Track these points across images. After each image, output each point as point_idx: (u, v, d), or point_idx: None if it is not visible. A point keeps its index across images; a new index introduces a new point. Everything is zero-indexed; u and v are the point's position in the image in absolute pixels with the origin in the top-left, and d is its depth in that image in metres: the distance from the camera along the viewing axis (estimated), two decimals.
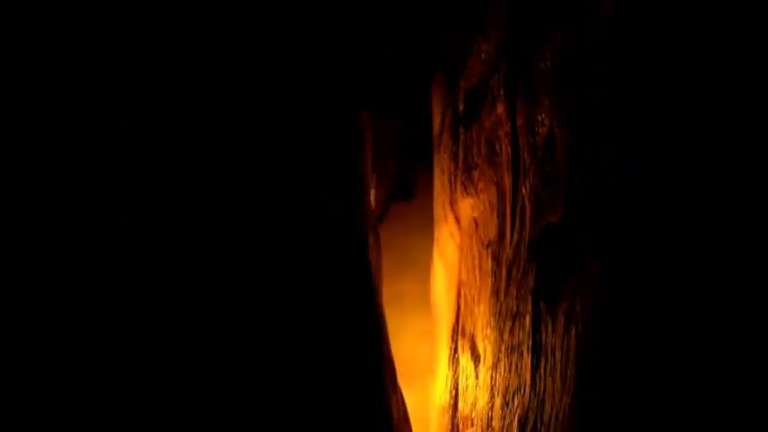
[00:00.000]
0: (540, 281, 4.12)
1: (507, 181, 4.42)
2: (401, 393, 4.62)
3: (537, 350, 4.08)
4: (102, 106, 3.66)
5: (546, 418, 3.93)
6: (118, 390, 3.38)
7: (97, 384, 3.36)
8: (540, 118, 4.12)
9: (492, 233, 4.60)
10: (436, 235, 5.72)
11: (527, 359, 4.11)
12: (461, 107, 5.09)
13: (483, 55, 4.81)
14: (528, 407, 4.04)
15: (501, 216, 4.50)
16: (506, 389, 4.28)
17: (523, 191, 4.22)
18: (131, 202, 3.62)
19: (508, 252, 4.38)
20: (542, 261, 4.12)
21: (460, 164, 5.14)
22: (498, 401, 4.35)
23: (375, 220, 5.00)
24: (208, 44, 3.85)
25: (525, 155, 4.24)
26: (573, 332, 3.87)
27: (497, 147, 4.55)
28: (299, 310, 3.70)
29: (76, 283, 3.47)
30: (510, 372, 4.28)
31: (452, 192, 5.31)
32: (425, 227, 6.04)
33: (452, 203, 5.31)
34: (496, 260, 4.49)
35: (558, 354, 3.96)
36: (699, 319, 3.37)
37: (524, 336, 4.16)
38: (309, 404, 3.59)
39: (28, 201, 3.50)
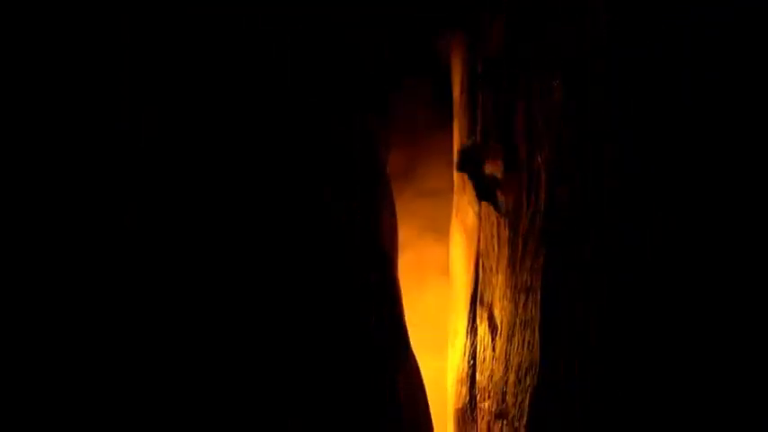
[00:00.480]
0: (548, 265, 4.11)
1: (523, 149, 4.37)
2: (416, 366, 4.56)
3: (546, 330, 4.06)
4: (102, 106, 3.66)
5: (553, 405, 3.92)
6: (118, 390, 3.37)
7: (97, 384, 3.36)
8: (555, 84, 4.07)
9: (509, 202, 4.55)
10: (455, 201, 5.63)
11: (537, 337, 4.09)
12: (480, 71, 4.97)
13: (499, 25, 4.72)
14: (538, 387, 4.03)
15: (518, 184, 4.45)
16: (519, 365, 4.25)
17: (539, 160, 4.16)
18: (131, 202, 3.62)
19: (524, 222, 4.33)
20: (549, 249, 4.10)
21: (479, 129, 5.05)
22: (512, 377, 4.31)
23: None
24: (208, 44, 3.84)
25: (540, 123, 4.18)
26: (573, 331, 3.87)
27: (514, 114, 4.48)
28: (297, 310, 3.69)
29: (76, 282, 3.47)
30: (523, 347, 4.24)
31: None
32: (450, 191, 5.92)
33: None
34: (513, 230, 4.41)
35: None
36: (699, 318, 3.37)
37: (536, 312, 4.11)
38: (309, 404, 3.59)
39: (27, 200, 3.50)
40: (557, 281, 4.04)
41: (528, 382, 4.14)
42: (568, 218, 3.94)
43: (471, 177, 5.05)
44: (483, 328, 4.78)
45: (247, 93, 3.87)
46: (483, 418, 4.65)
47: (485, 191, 4.88)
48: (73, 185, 3.58)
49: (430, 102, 6.59)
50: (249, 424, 3.49)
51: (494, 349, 4.60)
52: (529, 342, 4.17)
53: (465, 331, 5.07)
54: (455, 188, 5.58)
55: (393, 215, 4.75)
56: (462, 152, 5.28)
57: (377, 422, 3.81)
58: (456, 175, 5.52)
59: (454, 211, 5.59)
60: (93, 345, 3.42)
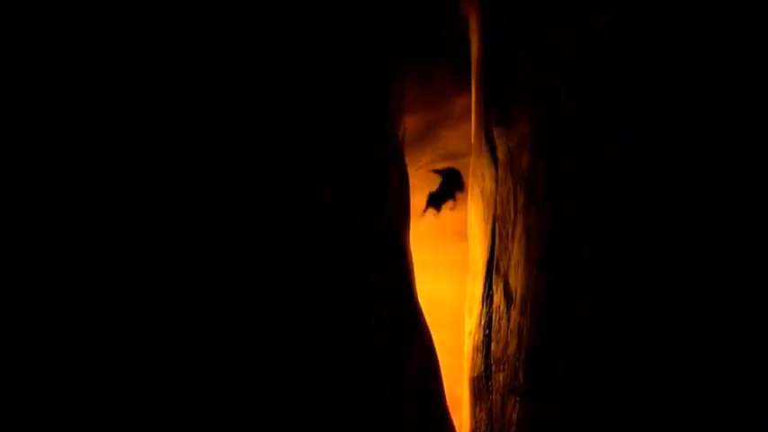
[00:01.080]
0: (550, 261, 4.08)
1: (542, 113, 4.25)
2: (429, 350, 4.52)
3: (554, 313, 4.03)
4: (102, 106, 3.66)
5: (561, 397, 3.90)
6: (118, 390, 3.37)
7: (97, 384, 3.36)
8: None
9: (525, 165, 4.41)
10: (473, 165, 5.55)
11: (548, 315, 4.07)
12: (499, 33, 4.81)
13: None
14: (549, 372, 4.00)
15: (534, 149, 4.32)
16: (531, 342, 4.20)
17: (555, 125, 4.07)
18: (131, 202, 3.62)
19: (539, 189, 4.22)
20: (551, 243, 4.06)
21: (496, 90, 4.86)
22: (524, 353, 4.23)
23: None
24: (207, 44, 3.84)
25: (556, 86, 4.09)
26: (576, 331, 3.86)
27: (533, 77, 4.36)
28: (297, 311, 3.69)
29: (76, 282, 3.47)
30: (535, 324, 4.17)
31: (488, 119, 5.01)
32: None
33: (488, 132, 5.02)
34: (529, 196, 4.34)
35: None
36: (699, 318, 3.37)
37: (547, 288, 4.09)
38: (309, 404, 3.59)
39: (27, 200, 3.50)
40: (557, 279, 4.03)
41: (539, 363, 4.10)
42: (568, 218, 3.94)
43: (488, 141, 4.98)
44: (498, 296, 4.68)
45: (247, 93, 3.87)
46: (497, 390, 4.58)
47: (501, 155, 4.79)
48: (73, 185, 3.58)
49: (451, 63, 6.54)
50: (249, 424, 3.49)
51: (508, 320, 4.49)
52: (541, 320, 4.11)
53: (481, 298, 4.99)
54: (473, 152, 5.52)
55: (405, 191, 4.68)
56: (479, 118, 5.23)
57: (377, 422, 3.81)
58: (474, 138, 5.46)
59: (471, 174, 5.52)
60: (92, 344, 3.42)
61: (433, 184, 6.96)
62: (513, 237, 4.59)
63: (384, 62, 4.49)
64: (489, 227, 5.01)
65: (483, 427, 4.89)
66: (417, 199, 6.12)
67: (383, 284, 4.03)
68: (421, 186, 6.87)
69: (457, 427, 5.22)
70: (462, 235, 5.90)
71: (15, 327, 3.34)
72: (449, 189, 6.18)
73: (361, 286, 3.89)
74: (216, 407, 3.47)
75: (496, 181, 4.91)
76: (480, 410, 4.95)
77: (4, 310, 3.35)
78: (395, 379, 3.90)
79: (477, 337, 5.04)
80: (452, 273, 6.77)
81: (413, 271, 4.68)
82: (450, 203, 6.17)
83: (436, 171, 5.41)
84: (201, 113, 3.78)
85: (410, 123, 6.21)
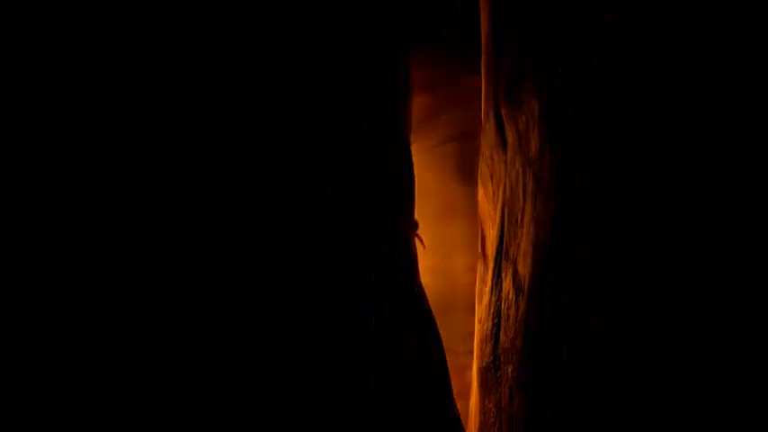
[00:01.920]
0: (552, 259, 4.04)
1: (547, 95, 4.22)
2: (435, 346, 4.53)
3: (557, 310, 4.03)
4: (102, 106, 3.67)
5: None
6: (117, 390, 3.42)
7: (97, 384, 3.41)
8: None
9: (534, 150, 4.36)
10: (482, 146, 5.48)
11: (551, 312, 4.06)
12: (510, 12, 4.76)
13: None
14: (557, 370, 4.01)
15: (542, 133, 4.27)
16: (537, 336, 4.21)
17: (563, 106, 4.03)
18: (131, 202, 3.64)
19: (546, 174, 4.19)
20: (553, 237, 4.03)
21: (506, 70, 4.81)
22: (532, 347, 4.24)
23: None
24: (207, 43, 3.85)
25: (562, 70, 4.04)
26: (576, 331, 3.87)
27: (542, 58, 4.28)
28: (296, 311, 3.71)
29: (75, 282, 3.50)
30: (541, 320, 4.16)
31: (497, 100, 4.97)
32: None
33: (497, 113, 4.98)
34: (538, 181, 4.30)
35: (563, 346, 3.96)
36: (699, 318, 3.36)
37: (550, 285, 4.08)
38: (307, 405, 3.62)
39: (27, 201, 3.53)
40: (559, 277, 4.03)
41: (544, 359, 4.10)
42: (569, 216, 3.93)
43: (497, 122, 4.92)
44: (507, 284, 4.65)
45: (248, 92, 3.87)
46: (506, 382, 4.59)
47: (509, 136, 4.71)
48: (73, 185, 3.59)
49: (461, 41, 6.49)
50: (248, 424, 3.53)
51: (517, 310, 4.46)
52: (545, 315, 4.11)
53: (490, 285, 4.97)
54: (482, 132, 5.47)
55: (410, 183, 4.67)
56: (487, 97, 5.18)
57: (376, 422, 3.84)
58: (483, 118, 5.41)
59: (481, 156, 5.48)
60: (92, 343, 3.45)
61: (440, 164, 6.93)
62: (522, 223, 4.56)
63: (388, 56, 4.47)
64: (498, 211, 4.98)
65: (492, 419, 4.91)
66: (424, 176, 6.08)
67: (384, 283, 4.04)
68: (428, 163, 6.84)
69: (465, 413, 5.24)
70: (475, 211, 5.87)
71: (15, 325, 3.39)
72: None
73: (361, 286, 3.91)
74: (215, 406, 3.51)
75: (506, 163, 4.86)
76: (489, 402, 4.96)
77: (4, 309, 3.40)
78: (395, 379, 3.91)
79: (486, 326, 5.03)
80: (467, 251, 6.78)
81: (416, 264, 4.68)
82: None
83: None
84: (202, 113, 3.78)
85: (419, 103, 6.19)
